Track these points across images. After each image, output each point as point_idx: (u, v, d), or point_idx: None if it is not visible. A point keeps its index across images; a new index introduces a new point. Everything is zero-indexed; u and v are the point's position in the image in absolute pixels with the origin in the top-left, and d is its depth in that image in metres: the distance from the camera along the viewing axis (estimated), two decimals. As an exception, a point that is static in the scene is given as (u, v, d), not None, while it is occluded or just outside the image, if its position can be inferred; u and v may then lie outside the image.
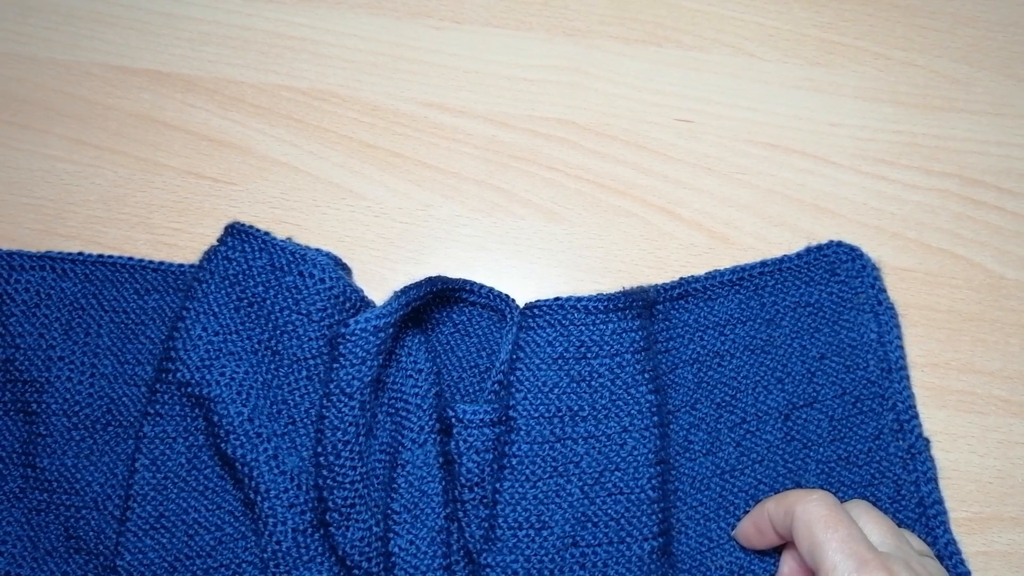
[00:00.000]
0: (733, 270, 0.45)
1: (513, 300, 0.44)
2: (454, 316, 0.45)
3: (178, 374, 0.40)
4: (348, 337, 0.39)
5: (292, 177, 0.48)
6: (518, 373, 0.41)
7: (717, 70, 0.50)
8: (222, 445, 0.39)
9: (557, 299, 0.42)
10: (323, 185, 0.48)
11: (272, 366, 0.41)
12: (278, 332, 0.41)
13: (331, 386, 0.39)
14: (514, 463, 0.40)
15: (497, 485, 0.40)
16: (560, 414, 0.41)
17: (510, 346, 0.42)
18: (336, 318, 0.41)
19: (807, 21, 0.51)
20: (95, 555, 0.41)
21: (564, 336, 0.41)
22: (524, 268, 0.47)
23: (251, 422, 0.39)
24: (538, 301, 0.42)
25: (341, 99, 0.49)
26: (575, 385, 0.41)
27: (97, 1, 0.51)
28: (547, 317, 0.42)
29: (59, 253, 0.44)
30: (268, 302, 0.41)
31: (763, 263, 0.45)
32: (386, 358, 0.41)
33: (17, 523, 0.41)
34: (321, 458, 0.39)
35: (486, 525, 0.39)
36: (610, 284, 0.46)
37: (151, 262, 0.45)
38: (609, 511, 0.40)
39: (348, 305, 0.41)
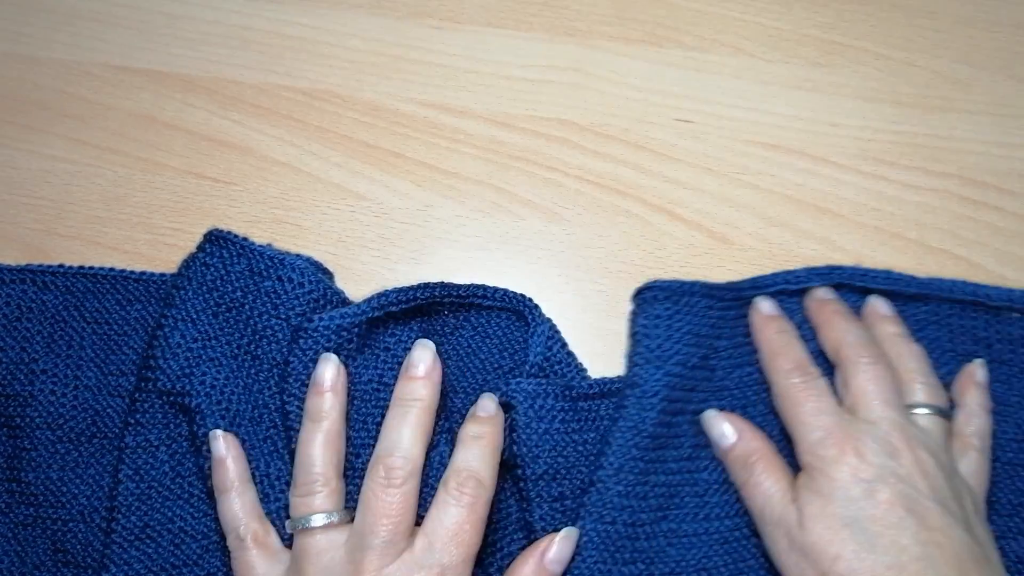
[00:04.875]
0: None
1: (531, 299, 0.43)
2: (472, 319, 0.44)
3: (159, 383, 0.40)
4: (309, 333, 0.39)
5: (292, 177, 0.48)
6: (643, 346, 0.40)
7: (718, 70, 0.50)
8: (205, 449, 0.39)
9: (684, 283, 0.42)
10: (323, 185, 0.48)
11: (252, 371, 0.41)
12: (257, 337, 0.41)
13: (289, 380, 0.39)
14: (627, 428, 0.39)
15: (606, 456, 0.39)
16: (683, 386, 0.40)
17: (542, 341, 0.42)
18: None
19: (807, 21, 0.51)
20: (83, 568, 0.41)
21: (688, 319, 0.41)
22: (524, 268, 0.47)
23: (233, 430, 0.39)
24: (660, 282, 0.42)
25: (341, 99, 0.49)
26: (696, 369, 0.41)
27: (97, 1, 0.51)
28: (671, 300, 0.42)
29: (39, 265, 0.44)
30: (247, 307, 0.41)
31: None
32: (382, 357, 0.41)
33: (3, 538, 0.41)
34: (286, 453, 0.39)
35: (563, 504, 0.39)
36: (610, 284, 0.46)
37: (132, 272, 0.44)
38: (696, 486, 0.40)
39: (331, 306, 0.41)
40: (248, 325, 0.41)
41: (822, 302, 0.42)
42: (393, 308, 0.41)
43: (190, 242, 0.46)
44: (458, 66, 0.50)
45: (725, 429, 0.40)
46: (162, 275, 0.44)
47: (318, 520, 0.36)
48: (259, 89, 0.50)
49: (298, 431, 0.39)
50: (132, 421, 0.40)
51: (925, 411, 0.39)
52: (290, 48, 0.50)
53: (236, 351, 0.41)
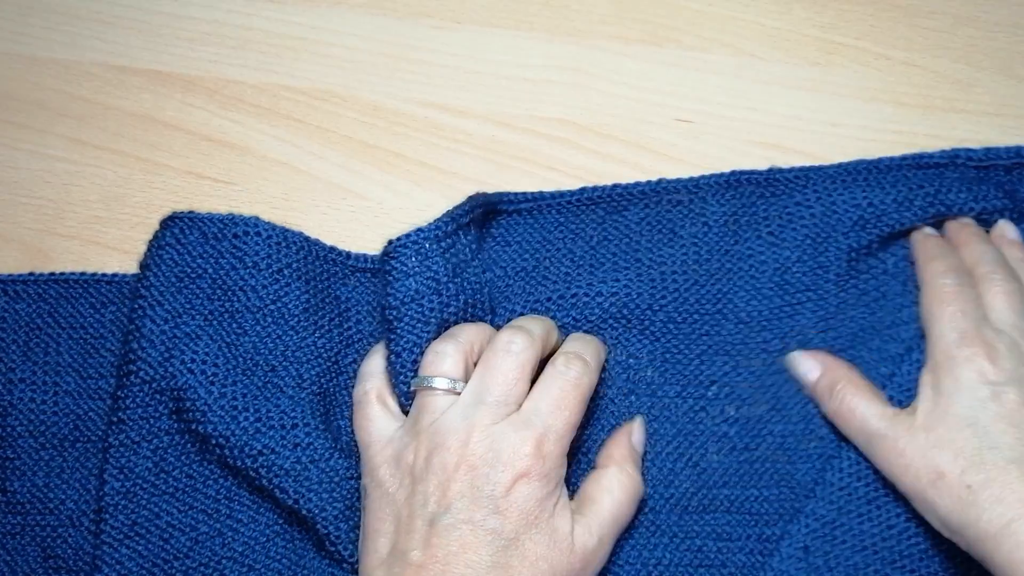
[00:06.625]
0: None
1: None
2: (492, 231, 0.45)
3: (141, 373, 0.40)
4: (391, 254, 0.40)
5: (292, 177, 0.48)
6: None
7: (717, 70, 0.50)
8: (199, 427, 0.39)
9: None
10: (323, 185, 0.48)
11: (233, 326, 0.41)
12: (228, 293, 0.41)
13: (386, 300, 0.40)
14: None
15: None
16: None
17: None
18: (284, 261, 0.41)
19: (807, 21, 0.51)
20: (75, 572, 0.41)
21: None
22: (524, 268, 0.47)
23: (224, 397, 0.39)
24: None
25: (341, 99, 0.49)
26: None
27: (97, 1, 0.51)
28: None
29: (9, 275, 0.44)
30: (210, 271, 0.41)
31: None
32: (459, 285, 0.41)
33: None
34: (395, 366, 0.40)
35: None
36: (610, 284, 0.46)
37: (104, 275, 0.44)
38: None
39: (295, 248, 0.42)
40: (216, 286, 0.41)
41: (961, 225, 0.43)
42: (464, 220, 0.42)
43: (190, 242, 0.46)
44: (458, 66, 0.50)
45: (808, 365, 0.42)
46: (134, 275, 0.44)
47: (441, 383, 0.38)
48: (259, 89, 0.50)
49: (397, 347, 0.40)
50: (115, 420, 0.40)
51: None
52: (290, 48, 0.50)
53: (210, 316, 0.41)
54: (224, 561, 0.40)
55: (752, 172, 0.45)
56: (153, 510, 0.40)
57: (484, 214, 0.45)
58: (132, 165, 0.48)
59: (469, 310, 0.42)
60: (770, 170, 0.45)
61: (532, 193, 0.46)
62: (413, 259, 0.40)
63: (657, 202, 0.45)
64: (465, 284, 0.41)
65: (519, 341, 0.38)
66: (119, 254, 0.46)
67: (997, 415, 0.35)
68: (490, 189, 0.48)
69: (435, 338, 0.40)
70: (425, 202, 0.48)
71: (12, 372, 0.43)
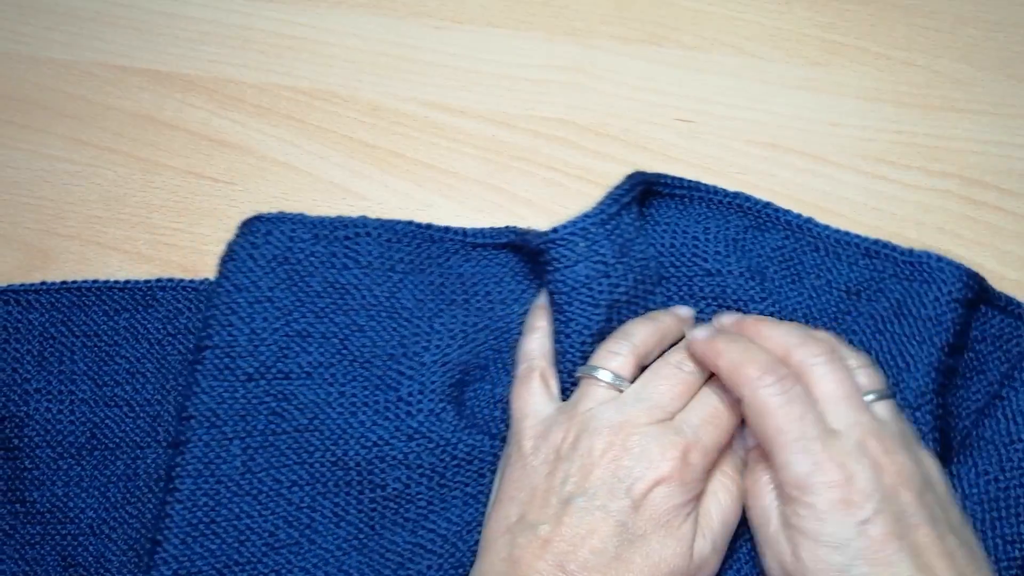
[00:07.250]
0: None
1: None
2: (644, 209, 0.45)
3: (248, 370, 0.39)
4: (558, 242, 0.39)
5: (292, 177, 0.48)
6: None
7: (717, 70, 0.50)
8: (313, 423, 0.39)
9: None
10: (323, 185, 0.48)
11: (347, 322, 0.41)
12: (341, 291, 0.41)
13: (548, 287, 0.40)
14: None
15: None
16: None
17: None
18: (397, 257, 0.42)
19: (807, 21, 0.51)
20: None
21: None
22: (524, 268, 0.47)
23: (344, 396, 0.40)
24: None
25: (341, 99, 0.49)
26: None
27: (97, 1, 0.51)
28: None
29: (22, 285, 0.44)
30: (322, 270, 0.41)
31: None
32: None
33: (11, 560, 0.41)
34: (563, 346, 0.40)
35: None
36: (610, 284, 0.46)
37: (116, 282, 0.44)
38: None
39: (406, 240, 0.42)
40: (328, 284, 0.41)
41: (738, 322, 0.41)
42: (629, 202, 0.41)
43: (190, 242, 0.46)
44: (458, 66, 0.50)
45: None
46: (146, 282, 0.44)
47: (606, 376, 0.38)
48: (259, 89, 0.50)
49: (564, 329, 0.40)
50: (201, 414, 0.39)
51: (872, 397, 0.37)
52: (290, 48, 0.50)
53: (321, 314, 0.41)
54: (296, 571, 0.39)
55: (892, 247, 0.43)
56: (234, 511, 0.39)
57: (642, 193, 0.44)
58: (132, 165, 0.48)
59: (639, 286, 0.41)
60: (911, 252, 0.43)
61: (689, 181, 0.45)
62: (581, 244, 0.40)
63: (798, 239, 0.44)
64: (633, 262, 0.41)
65: (691, 365, 0.39)
66: (119, 254, 0.46)
67: (863, 556, 0.33)
68: (490, 189, 0.48)
69: (605, 318, 0.40)
70: (425, 202, 0.48)
71: (27, 383, 0.42)
